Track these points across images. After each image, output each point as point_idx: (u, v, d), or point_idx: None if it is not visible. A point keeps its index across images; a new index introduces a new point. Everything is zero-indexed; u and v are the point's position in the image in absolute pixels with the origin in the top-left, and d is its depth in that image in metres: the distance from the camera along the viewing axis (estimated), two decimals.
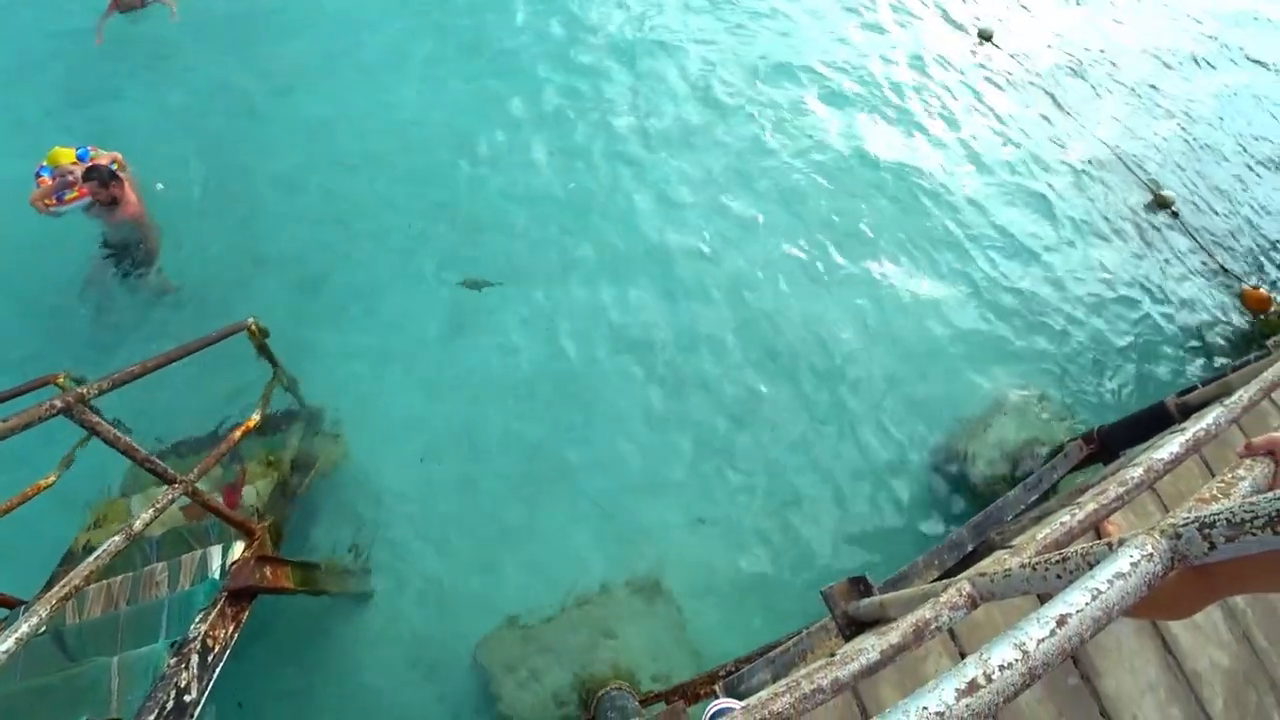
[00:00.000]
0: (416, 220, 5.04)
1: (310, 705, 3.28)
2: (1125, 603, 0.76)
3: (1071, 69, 8.02)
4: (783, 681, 1.15)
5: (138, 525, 2.27)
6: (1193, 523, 0.84)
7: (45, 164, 4.99)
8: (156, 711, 2.24)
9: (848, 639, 1.63)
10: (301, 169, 5.33)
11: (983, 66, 7.45)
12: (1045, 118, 7.08)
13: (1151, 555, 0.81)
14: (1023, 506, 3.34)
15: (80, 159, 4.99)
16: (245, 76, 5.95)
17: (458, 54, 6.18)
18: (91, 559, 2.11)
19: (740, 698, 1.99)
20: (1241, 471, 1.13)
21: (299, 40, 6.22)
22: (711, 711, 1.94)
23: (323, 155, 5.40)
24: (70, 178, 4.87)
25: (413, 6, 6.52)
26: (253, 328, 3.54)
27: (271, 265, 4.81)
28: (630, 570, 3.64)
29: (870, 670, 1.04)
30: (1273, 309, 5.77)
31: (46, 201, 4.86)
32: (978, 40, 7.83)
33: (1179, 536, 0.84)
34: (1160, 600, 0.87)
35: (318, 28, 6.33)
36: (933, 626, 1.07)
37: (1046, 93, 7.44)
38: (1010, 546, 2.37)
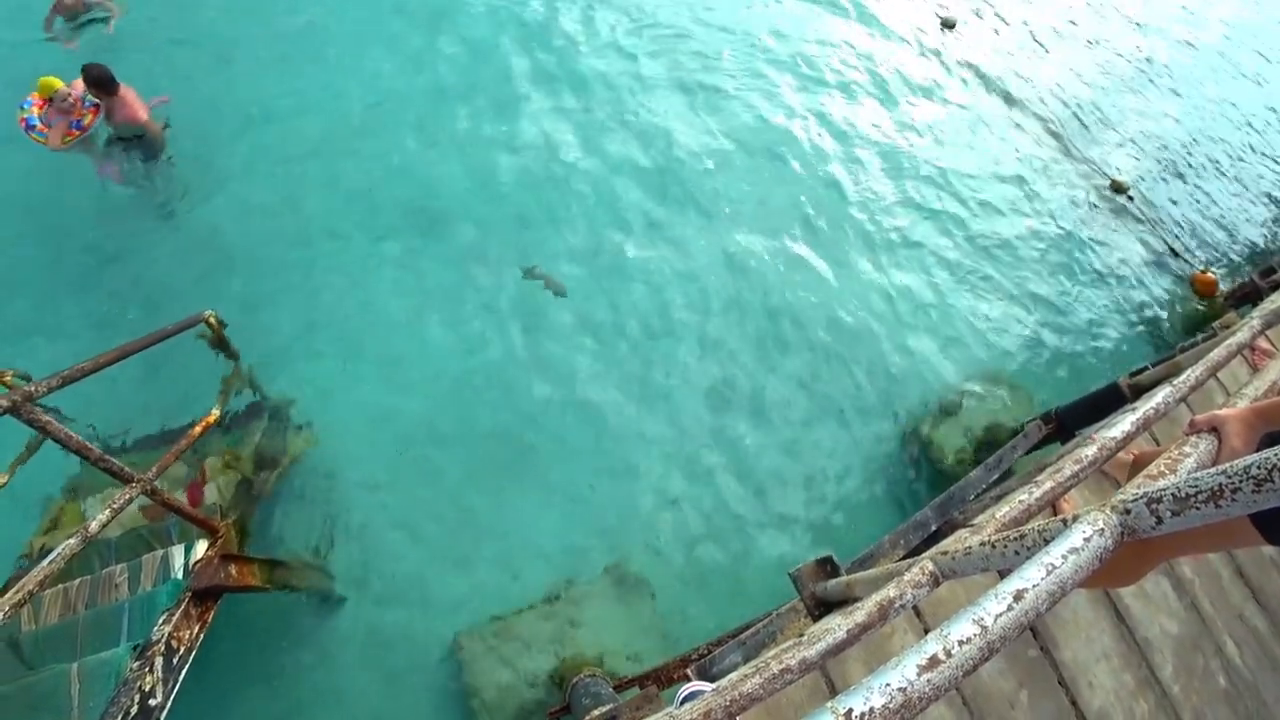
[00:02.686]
0: (380, 208, 4.93)
1: (283, 703, 3.24)
2: (1079, 576, 0.79)
3: (1032, 57, 8.18)
4: (752, 663, 1.17)
5: (94, 527, 2.21)
6: (1141, 498, 0.87)
7: (31, 98, 4.78)
8: (120, 716, 2.19)
9: (816, 619, 1.66)
10: (256, 156, 5.16)
11: (944, 55, 7.55)
12: (1004, 105, 7.22)
13: (1103, 530, 0.84)
14: (984, 486, 3.43)
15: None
16: (201, 55, 5.74)
17: (423, 33, 6.04)
18: (45, 563, 2.05)
19: (712, 680, 2.02)
20: (1188, 448, 1.18)
21: (255, 21, 6.01)
22: (683, 694, 1.96)
23: (279, 140, 5.24)
24: (69, 101, 4.75)
25: None
26: (211, 320, 3.44)
27: (229, 256, 4.66)
28: (602, 556, 3.66)
29: (837, 649, 1.06)
30: (1219, 293, 6.00)
31: (67, 137, 4.74)
32: (941, 29, 7.92)
33: (1128, 512, 0.87)
34: (1109, 569, 0.90)
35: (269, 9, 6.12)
36: (897, 605, 1.10)
37: (1006, 82, 7.58)
38: (972, 525, 2.43)
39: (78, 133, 4.78)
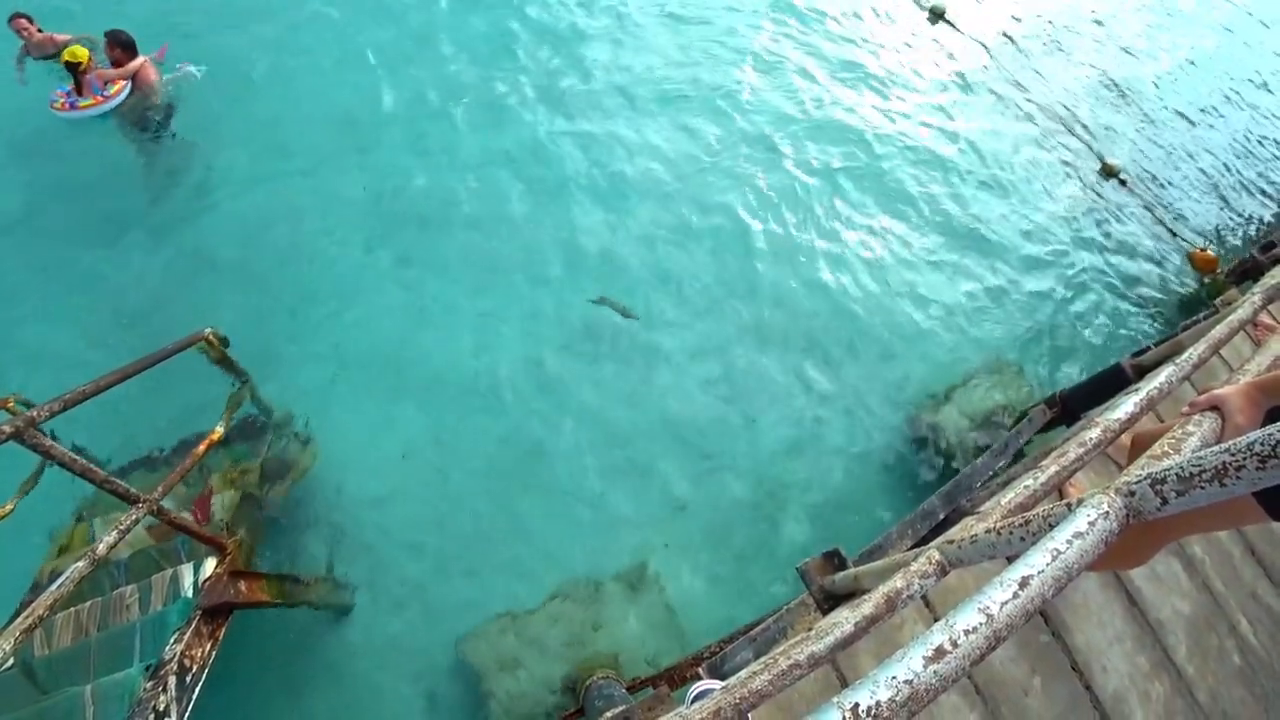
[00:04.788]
0: (375, 217, 4.94)
1: (298, 716, 3.24)
2: (1085, 561, 0.78)
3: (1021, 45, 8.17)
4: (762, 659, 1.16)
5: (101, 549, 2.21)
6: (1145, 480, 0.86)
7: (56, 94, 5.28)
8: None
9: (825, 613, 1.66)
10: (248, 171, 5.17)
11: (934, 44, 7.54)
12: (995, 93, 7.20)
13: (1108, 513, 0.83)
14: (991, 473, 3.42)
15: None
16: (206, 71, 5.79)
17: (411, 47, 6.06)
18: (54, 587, 2.05)
19: (724, 678, 2.01)
20: (1191, 427, 1.18)
21: (247, 31, 6.04)
22: (694, 693, 1.96)
23: (269, 153, 5.26)
24: (104, 75, 5.29)
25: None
26: (210, 338, 3.44)
27: (224, 271, 4.67)
28: (610, 558, 3.65)
29: (845, 643, 1.05)
30: (1219, 270, 5.97)
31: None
32: (929, 19, 7.91)
33: (1133, 494, 0.87)
34: (1117, 551, 0.89)
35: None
36: (904, 596, 1.10)
37: (996, 69, 7.57)
38: (978, 513, 2.43)
39: (69, 107, 5.24)
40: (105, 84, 5.30)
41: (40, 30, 5.70)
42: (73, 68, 5.16)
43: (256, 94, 5.62)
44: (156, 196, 5.04)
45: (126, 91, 5.37)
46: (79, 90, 5.25)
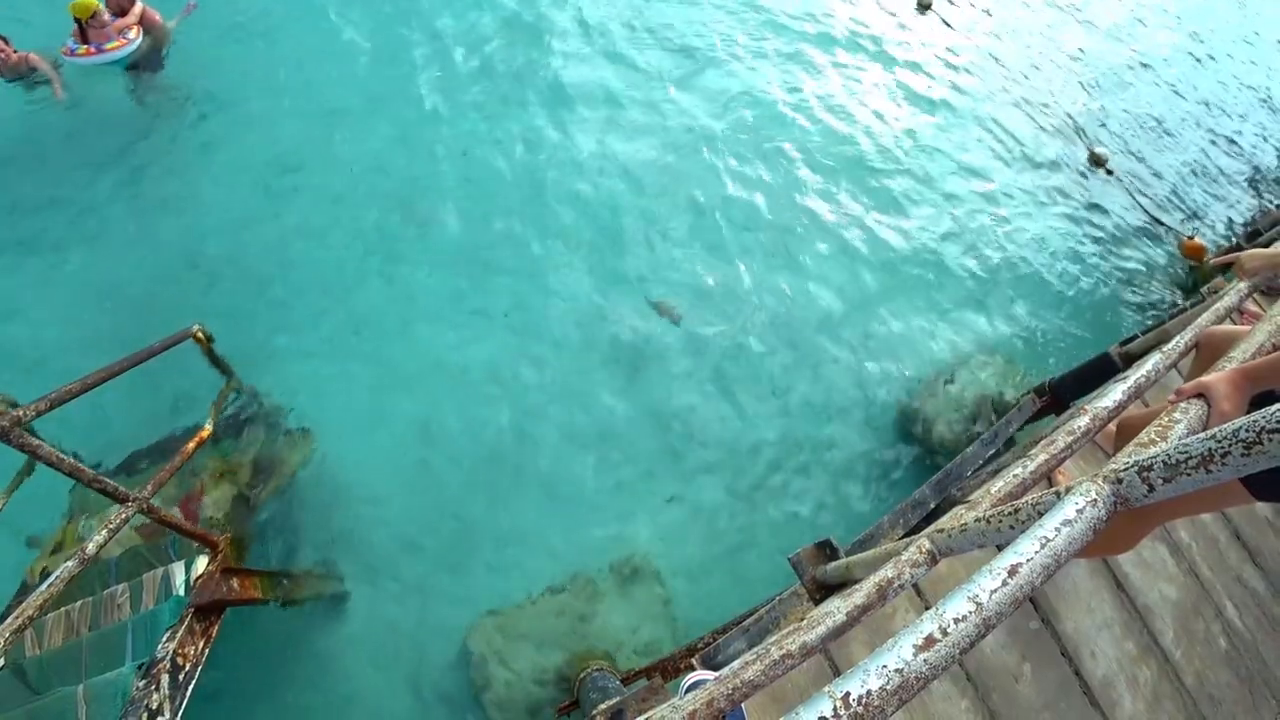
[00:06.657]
0: (363, 210, 4.90)
1: (293, 713, 3.24)
2: (1073, 548, 0.79)
3: (1008, 34, 8.18)
4: (754, 650, 1.17)
5: (91, 548, 2.19)
6: (1133, 467, 0.87)
7: (73, 37, 5.41)
8: None
9: (817, 603, 1.67)
10: (234, 165, 5.12)
11: (919, 36, 7.53)
12: (980, 85, 7.21)
13: (1096, 501, 0.84)
14: (981, 462, 3.44)
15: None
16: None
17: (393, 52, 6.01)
18: (44, 587, 2.03)
19: (717, 668, 2.02)
20: (1177, 414, 1.19)
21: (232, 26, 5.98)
22: (688, 684, 1.96)
23: (256, 148, 5.20)
24: (102, 20, 5.35)
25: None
26: (199, 334, 3.41)
27: (212, 266, 4.63)
28: (603, 551, 3.66)
29: (837, 632, 1.06)
30: (1208, 258, 6.02)
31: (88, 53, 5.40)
32: (917, 9, 7.90)
33: (1120, 481, 0.87)
34: (1106, 537, 0.90)
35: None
36: (895, 585, 1.10)
37: (983, 59, 7.58)
38: (968, 501, 2.44)
39: (95, 51, 5.37)
40: (120, 32, 5.42)
41: (16, 51, 5.41)
42: (84, 16, 5.27)
43: (249, 81, 5.59)
44: (154, 141, 5.21)
45: (141, 34, 5.55)
46: (85, 40, 5.36)
